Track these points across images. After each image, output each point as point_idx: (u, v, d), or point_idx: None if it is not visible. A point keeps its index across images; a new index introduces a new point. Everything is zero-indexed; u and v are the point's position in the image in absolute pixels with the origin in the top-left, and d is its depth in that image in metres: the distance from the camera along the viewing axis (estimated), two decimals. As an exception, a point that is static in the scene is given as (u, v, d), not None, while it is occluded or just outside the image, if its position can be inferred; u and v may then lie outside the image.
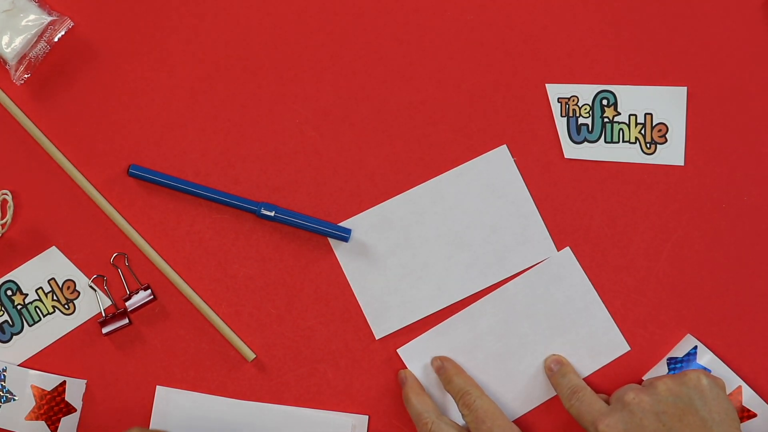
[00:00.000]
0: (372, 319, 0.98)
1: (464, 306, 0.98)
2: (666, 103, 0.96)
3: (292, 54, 0.99)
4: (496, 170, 0.97)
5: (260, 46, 0.99)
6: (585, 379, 0.97)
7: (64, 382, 0.99)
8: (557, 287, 0.97)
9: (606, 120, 0.97)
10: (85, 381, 0.99)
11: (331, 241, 0.98)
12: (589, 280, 0.97)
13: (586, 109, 0.97)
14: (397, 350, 0.98)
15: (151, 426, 0.99)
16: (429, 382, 0.98)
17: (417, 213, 0.98)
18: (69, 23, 0.99)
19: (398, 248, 0.98)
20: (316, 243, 0.99)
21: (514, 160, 0.97)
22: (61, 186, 0.99)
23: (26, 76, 0.99)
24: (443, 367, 0.97)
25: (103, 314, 0.99)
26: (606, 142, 0.97)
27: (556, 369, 0.96)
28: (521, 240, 0.97)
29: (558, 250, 0.97)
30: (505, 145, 0.97)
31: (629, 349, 0.98)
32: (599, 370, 0.97)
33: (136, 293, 0.99)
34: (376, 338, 0.98)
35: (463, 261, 0.98)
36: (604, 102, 0.97)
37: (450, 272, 0.98)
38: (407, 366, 0.98)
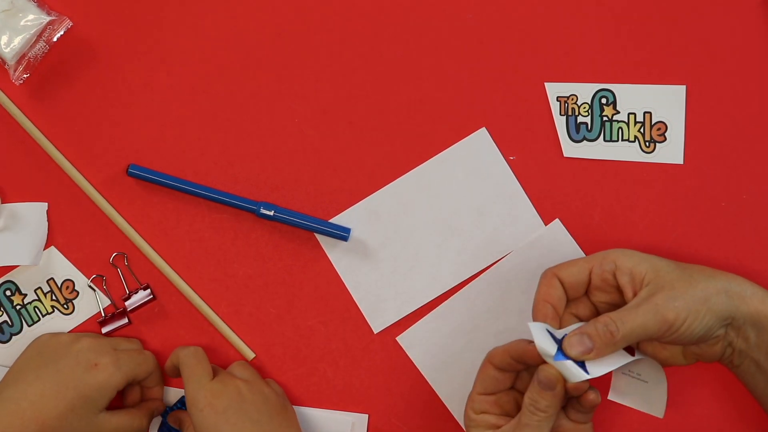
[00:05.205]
0: (368, 313, 0.98)
1: (459, 290, 0.98)
2: (665, 102, 0.96)
3: (290, 54, 0.99)
4: (477, 153, 0.97)
5: (258, 47, 0.99)
6: None
7: (64, 381, 0.99)
8: (550, 260, 0.96)
9: (605, 119, 0.97)
10: (85, 381, 0.99)
11: (321, 238, 0.98)
12: (583, 251, 0.97)
13: (585, 107, 0.97)
14: (397, 338, 0.98)
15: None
16: (431, 367, 0.98)
17: (403, 203, 0.98)
18: (68, 23, 0.99)
19: (388, 240, 0.98)
20: (315, 242, 0.99)
21: (512, 158, 0.97)
22: (60, 186, 0.99)
23: (25, 76, 0.99)
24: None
25: (103, 314, 0.99)
26: (605, 140, 0.97)
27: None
28: (509, 220, 0.97)
29: (546, 225, 0.97)
30: (484, 128, 0.97)
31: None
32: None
33: (136, 293, 0.99)
34: (375, 332, 0.98)
35: (453, 247, 0.98)
36: (603, 101, 0.97)
37: (441, 259, 0.98)
38: (408, 354, 0.98)
